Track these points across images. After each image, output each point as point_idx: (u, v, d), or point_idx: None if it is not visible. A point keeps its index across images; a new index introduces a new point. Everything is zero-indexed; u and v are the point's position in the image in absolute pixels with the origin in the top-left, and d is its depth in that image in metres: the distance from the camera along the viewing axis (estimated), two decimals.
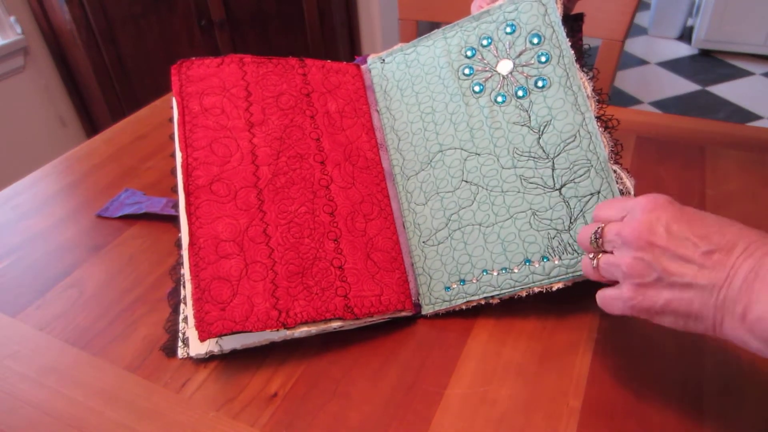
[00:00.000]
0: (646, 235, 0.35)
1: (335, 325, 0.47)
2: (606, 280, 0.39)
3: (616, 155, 0.47)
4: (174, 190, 0.54)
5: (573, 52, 0.50)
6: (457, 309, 0.50)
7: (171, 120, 0.57)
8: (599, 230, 0.38)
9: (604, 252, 0.39)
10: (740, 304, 0.31)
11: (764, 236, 0.33)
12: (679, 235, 0.34)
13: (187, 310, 0.50)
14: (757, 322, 0.31)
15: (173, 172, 0.53)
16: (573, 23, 0.53)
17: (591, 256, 0.39)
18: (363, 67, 0.63)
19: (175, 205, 0.52)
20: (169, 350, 0.49)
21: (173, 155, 0.55)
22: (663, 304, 0.34)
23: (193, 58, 0.59)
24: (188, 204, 0.50)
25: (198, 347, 0.47)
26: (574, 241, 0.46)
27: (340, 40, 2.20)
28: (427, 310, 0.50)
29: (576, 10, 0.57)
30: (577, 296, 0.50)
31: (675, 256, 0.33)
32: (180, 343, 0.49)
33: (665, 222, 0.34)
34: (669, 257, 0.34)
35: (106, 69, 1.66)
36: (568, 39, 0.50)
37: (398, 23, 1.10)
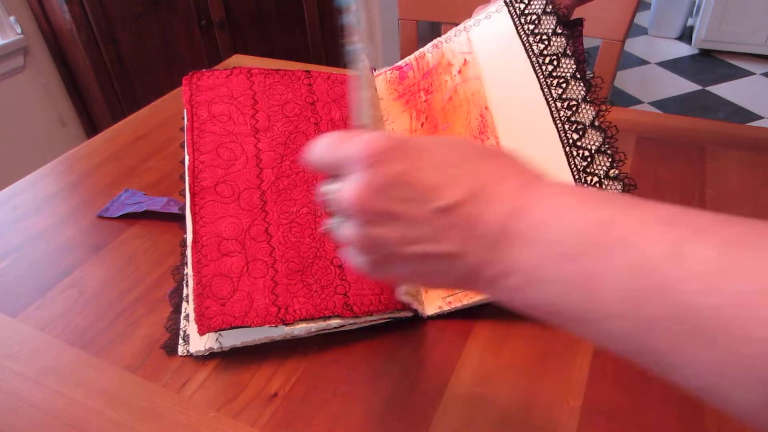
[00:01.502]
0: (365, 202, 0.26)
1: (334, 323, 0.47)
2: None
3: (618, 163, 0.47)
4: (182, 193, 0.54)
5: (573, 61, 0.50)
6: (457, 309, 0.50)
7: (182, 129, 0.58)
8: (327, 190, 0.30)
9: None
10: (495, 266, 0.25)
11: (507, 170, 0.26)
12: (404, 193, 0.26)
13: (189, 308, 0.50)
14: (516, 291, 0.25)
15: (182, 177, 0.54)
16: (572, 29, 0.53)
17: (330, 220, 0.31)
18: None
19: (182, 207, 0.54)
20: (170, 348, 0.49)
21: (182, 162, 0.56)
22: (408, 277, 0.28)
23: (204, 70, 0.61)
24: (193, 204, 0.51)
25: (198, 343, 0.47)
26: None
27: (340, 40, 2.19)
28: (428, 310, 0.50)
29: (576, 14, 0.57)
30: None
31: (406, 224, 0.26)
32: (180, 341, 0.49)
33: (386, 177, 0.26)
34: (399, 226, 0.26)
35: (106, 69, 1.66)
36: (568, 46, 0.50)
37: (398, 23, 1.10)
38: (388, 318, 0.49)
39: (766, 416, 0.18)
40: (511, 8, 0.54)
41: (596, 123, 0.47)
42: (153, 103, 0.89)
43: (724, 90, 2.40)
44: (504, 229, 0.24)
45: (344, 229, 0.29)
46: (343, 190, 0.27)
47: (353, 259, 0.30)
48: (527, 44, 0.52)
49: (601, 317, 0.22)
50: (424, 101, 0.59)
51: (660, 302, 0.20)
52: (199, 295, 0.47)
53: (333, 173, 0.29)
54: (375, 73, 0.66)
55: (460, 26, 0.59)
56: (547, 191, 0.25)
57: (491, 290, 0.26)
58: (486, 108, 0.53)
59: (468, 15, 0.60)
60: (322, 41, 2.10)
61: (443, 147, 0.27)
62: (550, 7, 0.52)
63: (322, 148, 0.29)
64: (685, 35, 2.87)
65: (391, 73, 0.63)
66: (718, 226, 0.22)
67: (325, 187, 0.30)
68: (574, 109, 0.48)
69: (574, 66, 0.50)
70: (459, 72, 0.57)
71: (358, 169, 0.27)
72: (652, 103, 2.37)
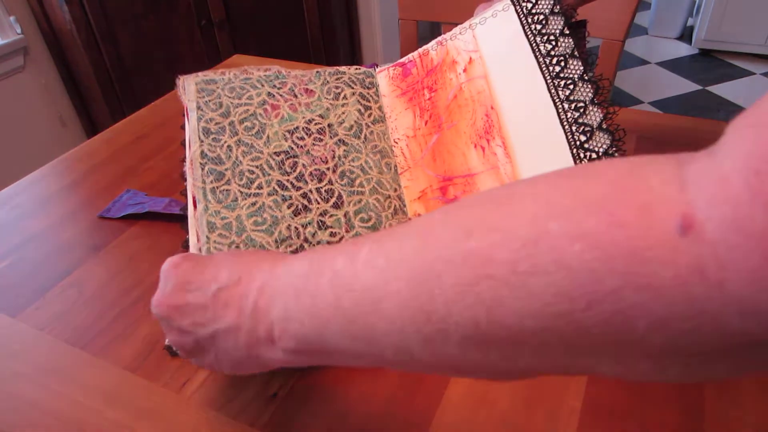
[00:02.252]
0: (170, 302, 0.34)
1: None
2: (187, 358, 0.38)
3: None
4: (183, 193, 0.54)
5: (580, 61, 0.50)
6: None
7: (182, 127, 0.58)
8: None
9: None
10: (260, 327, 0.30)
11: (265, 255, 0.33)
12: (191, 287, 0.33)
13: None
14: (280, 339, 0.30)
15: (183, 176, 0.54)
16: (576, 30, 0.53)
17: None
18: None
19: (184, 208, 0.53)
20: (172, 349, 0.49)
21: (183, 159, 0.55)
22: (218, 363, 0.34)
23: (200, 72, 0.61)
24: None
25: None
26: None
27: (340, 40, 2.20)
28: None
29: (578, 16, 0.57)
30: None
31: (197, 309, 0.33)
32: None
33: (179, 279, 0.34)
34: (194, 313, 0.33)
35: (106, 69, 1.66)
36: (575, 48, 0.50)
37: (398, 23, 1.10)
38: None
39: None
40: (517, 7, 0.54)
41: (604, 126, 0.47)
42: (153, 103, 0.89)
43: (724, 90, 2.40)
44: (259, 299, 0.31)
45: (168, 331, 0.35)
46: (156, 297, 0.35)
47: (181, 354, 0.36)
48: (534, 44, 0.52)
49: (323, 328, 0.28)
50: (428, 99, 0.59)
51: (348, 294, 0.26)
52: None
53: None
54: (378, 70, 0.65)
55: (466, 24, 0.58)
56: (287, 261, 0.32)
57: (273, 350, 0.31)
58: (492, 108, 0.53)
59: (468, 15, 0.60)
60: (322, 41, 2.10)
61: (222, 254, 0.36)
62: (558, 7, 0.52)
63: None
64: (685, 35, 2.87)
65: (394, 70, 0.63)
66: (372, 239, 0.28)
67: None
68: (581, 111, 0.48)
69: (581, 67, 0.49)
70: (464, 70, 0.57)
71: (161, 282, 0.35)
72: (652, 103, 2.37)
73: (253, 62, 1.02)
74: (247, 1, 1.86)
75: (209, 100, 0.58)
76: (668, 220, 0.18)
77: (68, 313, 0.53)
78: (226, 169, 0.53)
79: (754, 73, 2.49)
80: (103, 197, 0.68)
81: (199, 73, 0.61)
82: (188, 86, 0.59)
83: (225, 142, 0.55)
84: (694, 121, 0.74)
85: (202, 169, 0.53)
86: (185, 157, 0.55)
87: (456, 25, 0.60)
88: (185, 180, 0.54)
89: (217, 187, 0.52)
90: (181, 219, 0.61)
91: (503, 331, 0.22)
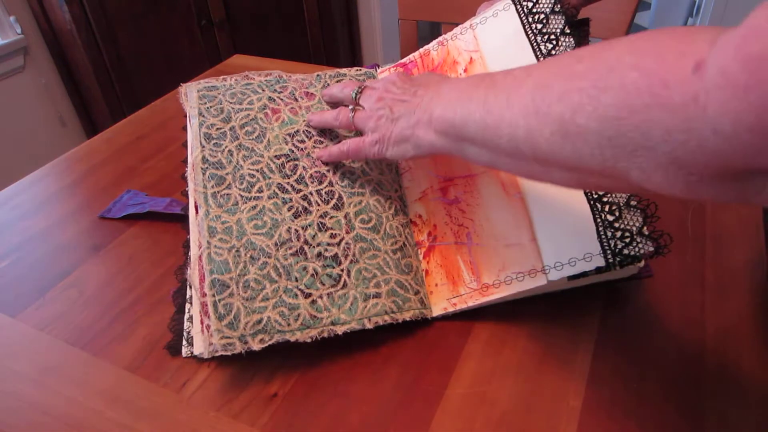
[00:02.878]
0: (384, 93, 0.50)
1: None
2: (353, 128, 0.53)
3: None
4: (184, 193, 0.54)
5: None
6: (461, 311, 0.50)
7: (184, 128, 0.58)
8: (362, 89, 0.53)
9: (354, 107, 0.53)
10: (426, 113, 0.44)
11: (459, 78, 0.46)
12: (402, 87, 0.48)
13: (193, 309, 0.50)
14: (436, 121, 0.43)
15: (184, 177, 0.54)
16: (579, 29, 0.53)
17: (351, 107, 0.53)
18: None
19: (185, 208, 0.54)
20: (174, 349, 0.49)
21: (184, 161, 0.55)
22: (391, 134, 0.47)
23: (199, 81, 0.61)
24: None
25: (201, 345, 0.47)
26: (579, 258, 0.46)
27: (340, 40, 2.20)
28: (434, 312, 0.50)
29: (580, 15, 0.57)
30: (578, 296, 0.50)
31: (398, 101, 0.48)
32: (184, 342, 0.49)
33: (397, 84, 0.49)
34: (394, 102, 0.48)
35: (106, 69, 1.66)
36: (575, 48, 0.50)
37: (398, 23, 1.10)
38: (394, 321, 0.49)
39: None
40: (518, 6, 0.54)
41: None
42: (153, 103, 0.89)
43: None
44: (433, 97, 0.44)
45: (361, 117, 0.51)
46: (375, 89, 0.52)
47: (367, 128, 0.50)
48: (535, 44, 0.52)
49: (467, 117, 0.39)
50: None
51: (492, 92, 0.37)
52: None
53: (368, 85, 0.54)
54: (379, 70, 0.65)
55: (466, 24, 0.58)
56: (458, 78, 0.45)
57: (428, 131, 0.44)
58: None
59: (468, 15, 0.60)
60: (322, 41, 2.10)
61: (427, 73, 0.51)
62: (559, 6, 0.52)
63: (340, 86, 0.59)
64: None
65: (395, 71, 0.63)
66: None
67: (365, 89, 0.53)
68: None
69: None
70: (465, 70, 0.57)
71: (381, 82, 0.52)
72: None
73: (253, 62, 1.02)
74: (247, 1, 1.86)
75: (211, 106, 0.58)
76: (691, 63, 0.25)
77: (68, 313, 0.53)
78: (227, 174, 0.53)
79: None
80: (103, 197, 0.68)
81: (201, 80, 0.61)
82: (190, 93, 0.60)
83: (226, 146, 0.55)
84: None
85: (204, 174, 0.53)
86: (187, 159, 0.55)
87: (456, 25, 0.60)
88: (187, 181, 0.54)
89: (218, 192, 0.52)
90: (182, 219, 0.61)
91: (577, 127, 0.30)
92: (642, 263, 0.43)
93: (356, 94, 0.53)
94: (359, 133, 0.53)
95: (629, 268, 0.43)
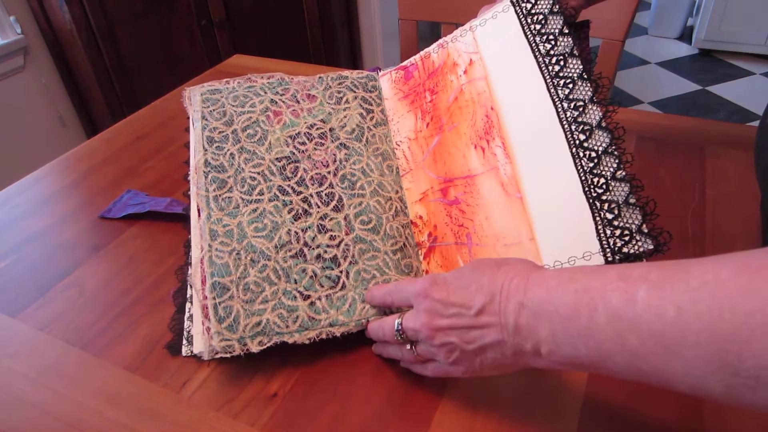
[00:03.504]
0: (434, 325, 0.39)
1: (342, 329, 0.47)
2: (424, 360, 0.42)
3: (625, 164, 0.47)
4: (185, 194, 0.55)
5: (580, 61, 0.50)
6: None
7: (187, 129, 0.58)
8: (399, 326, 0.42)
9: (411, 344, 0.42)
10: (527, 344, 0.35)
11: (509, 271, 0.37)
12: (452, 311, 0.38)
13: (193, 308, 0.50)
14: (549, 355, 0.34)
15: (186, 177, 0.54)
16: (579, 31, 0.53)
17: (409, 347, 0.42)
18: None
19: (186, 208, 0.54)
20: (174, 349, 0.49)
21: (187, 162, 0.56)
22: (480, 367, 0.38)
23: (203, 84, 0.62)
24: None
25: (201, 344, 0.47)
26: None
27: (340, 40, 2.19)
28: None
29: (581, 16, 0.57)
30: None
31: (461, 329, 0.37)
32: (184, 341, 0.49)
33: (436, 304, 0.38)
34: (458, 332, 0.37)
35: (106, 69, 1.66)
36: (575, 47, 0.50)
37: (398, 23, 1.10)
38: None
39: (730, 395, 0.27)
40: (517, 8, 0.54)
41: (603, 124, 0.47)
42: (153, 103, 0.89)
43: (724, 90, 2.40)
44: (519, 318, 0.35)
45: (424, 350, 0.41)
46: (416, 322, 0.40)
47: (444, 370, 0.41)
48: (534, 44, 0.52)
49: (604, 357, 0.31)
50: (430, 101, 0.59)
51: (633, 335, 0.29)
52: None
53: (390, 308, 0.45)
54: (380, 73, 0.65)
55: (466, 26, 0.58)
56: (539, 278, 0.35)
57: (541, 360, 0.35)
58: (492, 108, 0.53)
59: (468, 15, 0.60)
60: (322, 41, 2.10)
61: (464, 271, 0.39)
62: (557, 7, 0.52)
63: (381, 293, 0.46)
64: (685, 35, 2.87)
65: (396, 73, 0.63)
66: (649, 271, 0.30)
67: (404, 325, 0.41)
68: (581, 109, 0.48)
69: (581, 66, 0.49)
70: (465, 72, 0.57)
71: (418, 306, 0.40)
72: (652, 103, 2.37)
73: (253, 62, 1.02)
74: (247, 1, 1.86)
75: (213, 110, 0.58)
76: None
77: (68, 313, 0.53)
78: (228, 177, 0.53)
79: (754, 73, 2.50)
80: (103, 197, 0.68)
81: (205, 84, 0.61)
82: (194, 97, 0.60)
83: (228, 150, 0.55)
84: (694, 121, 0.74)
85: (206, 178, 0.53)
86: (189, 160, 0.56)
87: (456, 25, 0.60)
88: (189, 183, 0.55)
89: (220, 195, 0.52)
90: (182, 219, 0.61)
91: None
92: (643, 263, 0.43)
93: (398, 335, 0.42)
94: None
95: None
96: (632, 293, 0.29)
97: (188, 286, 0.54)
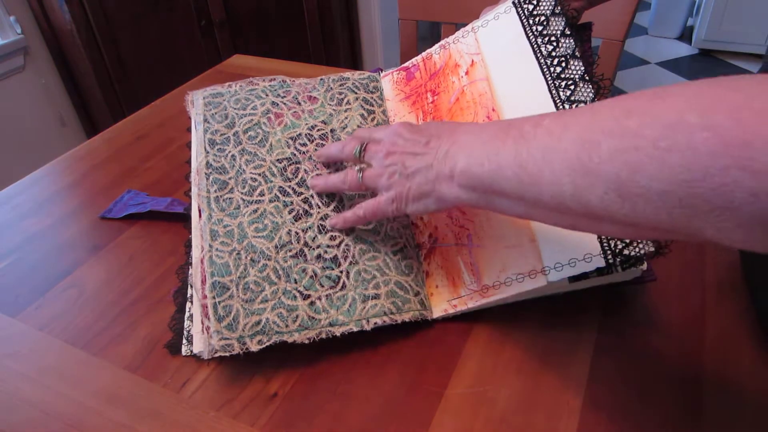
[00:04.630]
0: (392, 147, 0.46)
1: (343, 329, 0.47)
2: (364, 189, 0.49)
3: None
4: (187, 194, 0.55)
5: (582, 62, 0.50)
6: (462, 313, 0.50)
7: (189, 130, 0.59)
8: (365, 145, 0.49)
9: (362, 165, 0.49)
10: (446, 167, 0.41)
11: (468, 123, 0.43)
12: (411, 138, 0.45)
13: (193, 308, 0.50)
14: (460, 175, 0.40)
15: (187, 177, 0.54)
16: (581, 33, 0.53)
17: (358, 169, 0.48)
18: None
19: (187, 208, 0.54)
20: (174, 348, 0.49)
21: (188, 162, 0.56)
22: (407, 194, 0.44)
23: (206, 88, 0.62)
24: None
25: (201, 344, 0.47)
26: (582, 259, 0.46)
27: (340, 40, 2.20)
28: (434, 313, 0.50)
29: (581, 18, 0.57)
30: (578, 296, 0.50)
31: (409, 154, 0.44)
32: (184, 341, 0.49)
33: (403, 134, 0.46)
34: (405, 156, 0.44)
35: (106, 69, 1.66)
36: (577, 48, 0.50)
37: (398, 23, 1.10)
38: (393, 322, 0.49)
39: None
40: (519, 9, 0.54)
41: None
42: (153, 103, 0.89)
43: None
44: (450, 147, 0.41)
45: (371, 174, 0.47)
46: (380, 144, 0.47)
47: (379, 186, 0.46)
48: (535, 45, 0.52)
49: (500, 171, 0.36)
50: (431, 102, 0.59)
51: (525, 148, 0.35)
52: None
53: (370, 139, 0.49)
54: (382, 74, 0.66)
55: (468, 27, 0.58)
56: (476, 125, 0.42)
57: (451, 186, 0.41)
58: (493, 109, 0.53)
59: (468, 15, 0.60)
60: (322, 41, 2.10)
61: (432, 122, 0.50)
62: (559, 8, 0.52)
63: (364, 130, 0.52)
64: (685, 35, 2.87)
65: (398, 74, 0.64)
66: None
67: (369, 145, 0.48)
68: None
69: (582, 68, 0.49)
70: (466, 73, 0.57)
71: (387, 134, 0.47)
72: None
73: (253, 62, 1.02)
74: (247, 1, 1.86)
75: (215, 113, 0.59)
76: None
77: (68, 313, 0.53)
78: (229, 178, 0.54)
79: (754, 73, 2.49)
80: (104, 197, 0.68)
81: (207, 87, 0.62)
82: (196, 100, 0.60)
83: (229, 152, 0.55)
84: None
85: (207, 179, 0.53)
86: (190, 160, 0.56)
87: (456, 24, 0.60)
88: (190, 183, 0.55)
89: (221, 196, 0.52)
90: (183, 219, 0.61)
91: (637, 188, 0.28)
92: (645, 266, 0.43)
93: (359, 151, 0.49)
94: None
95: (631, 270, 0.43)
96: (541, 120, 0.35)
97: (189, 285, 0.54)
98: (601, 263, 0.43)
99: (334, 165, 0.57)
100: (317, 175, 0.53)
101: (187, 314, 0.51)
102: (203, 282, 0.48)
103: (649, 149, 0.28)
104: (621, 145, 0.29)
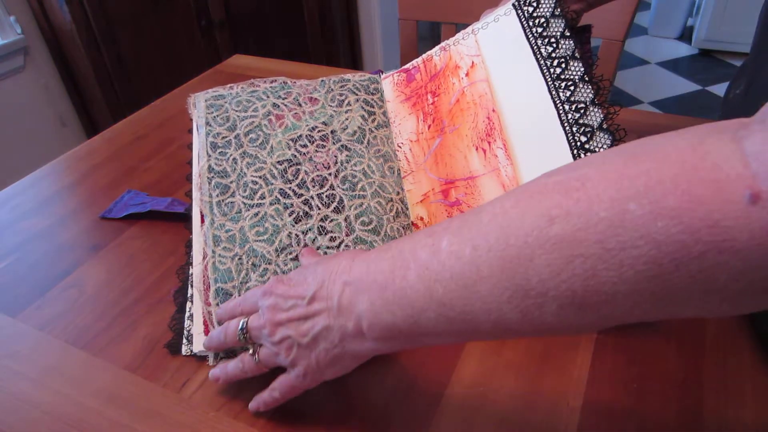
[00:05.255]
0: (275, 320, 0.38)
1: None
2: (266, 370, 0.42)
3: None
4: (188, 194, 0.55)
5: (581, 64, 0.50)
6: None
7: (190, 131, 0.60)
8: (244, 325, 0.41)
9: (252, 346, 0.41)
10: (349, 323, 0.35)
11: (340, 257, 0.37)
12: (290, 303, 0.38)
13: (194, 308, 0.51)
14: (370, 329, 0.34)
15: (188, 178, 0.54)
16: (581, 35, 0.53)
17: (251, 352, 0.41)
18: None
19: (188, 208, 0.54)
20: (174, 348, 0.49)
21: (189, 163, 0.57)
22: (317, 363, 0.38)
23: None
24: None
25: (200, 344, 0.47)
26: None
27: (340, 40, 2.20)
28: None
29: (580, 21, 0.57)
30: None
31: (298, 320, 0.37)
32: (184, 340, 0.49)
33: (278, 299, 0.39)
34: (291, 324, 0.38)
35: (106, 69, 1.65)
36: (576, 49, 0.50)
37: (398, 23, 1.10)
38: None
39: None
40: (519, 11, 0.54)
41: (604, 126, 0.47)
42: (153, 103, 0.89)
43: (724, 90, 2.40)
44: (341, 297, 0.35)
45: (266, 353, 0.40)
46: (259, 320, 0.39)
47: (282, 363, 0.40)
48: (535, 47, 0.52)
49: (417, 315, 0.31)
50: (431, 104, 0.59)
51: (439, 284, 0.30)
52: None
53: (248, 311, 0.42)
54: (383, 76, 0.66)
55: (468, 29, 0.59)
56: (362, 257, 0.36)
57: (364, 342, 0.35)
58: (493, 110, 0.53)
59: (468, 15, 0.60)
60: (322, 41, 2.10)
61: (306, 266, 0.40)
62: (559, 10, 0.52)
63: (232, 305, 0.44)
64: (685, 35, 2.87)
65: (398, 76, 0.64)
66: (451, 222, 0.32)
67: (249, 323, 0.41)
68: (582, 112, 0.48)
69: (582, 69, 0.49)
70: (467, 74, 0.57)
71: (261, 302, 0.39)
72: (652, 103, 2.37)
73: (253, 62, 1.02)
74: (247, 1, 1.86)
75: (217, 115, 0.59)
76: (739, 194, 0.22)
77: (68, 313, 0.53)
78: (231, 182, 0.54)
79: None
80: (104, 197, 0.68)
81: (209, 90, 0.62)
82: (198, 103, 0.61)
83: (231, 155, 0.56)
84: (694, 121, 0.74)
85: (209, 184, 0.54)
86: (192, 161, 0.56)
87: (456, 24, 0.60)
88: (191, 182, 0.55)
89: (223, 201, 0.53)
90: (184, 219, 0.61)
91: (599, 296, 0.25)
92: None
93: (241, 335, 0.41)
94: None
95: None
96: (437, 244, 0.31)
97: (189, 285, 0.54)
98: None
99: (333, 137, 0.57)
100: (213, 367, 0.46)
101: (187, 314, 0.51)
102: (207, 289, 0.48)
103: (599, 254, 0.24)
104: (560, 257, 0.25)
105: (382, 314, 0.33)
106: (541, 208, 0.26)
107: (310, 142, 0.57)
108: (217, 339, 0.44)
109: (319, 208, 0.53)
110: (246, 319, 0.41)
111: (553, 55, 0.51)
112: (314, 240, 0.51)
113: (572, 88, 0.49)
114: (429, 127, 0.58)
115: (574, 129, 0.48)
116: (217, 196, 0.53)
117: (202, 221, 0.52)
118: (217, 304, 0.47)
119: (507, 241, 0.27)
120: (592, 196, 0.25)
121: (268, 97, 0.61)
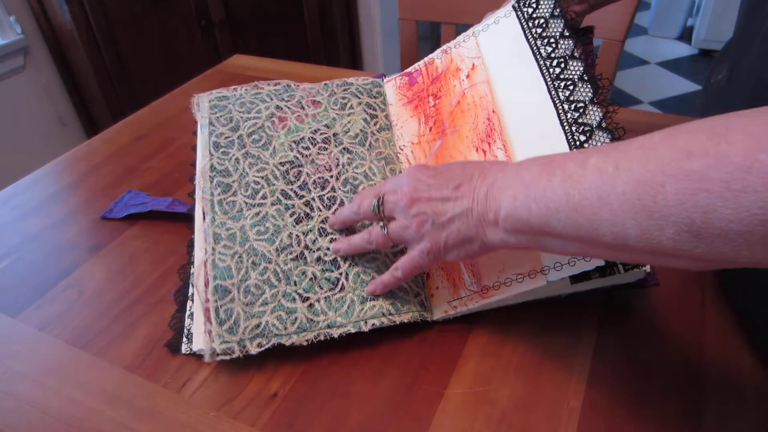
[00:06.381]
0: (415, 196, 0.43)
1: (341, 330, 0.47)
2: (391, 244, 0.46)
3: None
4: (191, 195, 0.55)
5: (582, 65, 0.50)
6: (462, 314, 0.50)
7: (194, 133, 0.60)
8: (381, 199, 0.45)
9: (384, 220, 0.46)
10: (490, 212, 0.39)
11: (493, 162, 0.42)
12: (435, 183, 0.42)
13: (195, 307, 0.51)
14: (506, 219, 0.38)
15: (192, 179, 0.55)
16: (582, 37, 0.53)
17: (381, 225, 0.46)
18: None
19: (190, 208, 0.54)
20: (174, 347, 0.49)
21: (192, 164, 0.57)
22: (445, 243, 0.42)
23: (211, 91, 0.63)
24: None
25: (200, 342, 0.47)
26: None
27: (340, 40, 2.20)
28: (434, 315, 0.50)
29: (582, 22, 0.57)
30: (578, 297, 0.50)
31: (438, 200, 0.42)
32: (184, 339, 0.49)
33: (423, 180, 0.43)
34: (434, 203, 0.42)
35: (106, 69, 1.65)
36: (576, 48, 0.50)
37: (398, 23, 1.10)
38: (391, 323, 0.49)
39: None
40: (519, 12, 0.54)
41: (603, 125, 0.47)
42: (153, 103, 0.89)
43: None
44: (489, 189, 0.39)
45: (396, 227, 0.44)
46: (397, 194, 0.44)
47: (409, 238, 0.44)
48: (535, 48, 0.52)
49: (550, 215, 0.35)
50: (433, 106, 0.59)
51: (576, 191, 0.33)
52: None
53: (388, 191, 0.45)
54: (386, 79, 0.66)
55: (469, 31, 0.59)
56: (514, 164, 0.39)
57: (497, 232, 0.39)
58: (493, 111, 0.53)
59: (468, 15, 0.60)
60: (322, 41, 2.10)
61: (445, 165, 0.44)
62: (558, 10, 0.52)
63: (370, 190, 0.48)
64: (685, 35, 2.87)
65: (400, 79, 0.64)
66: (604, 145, 0.36)
67: (386, 197, 0.45)
68: (581, 111, 0.48)
69: (581, 68, 0.50)
70: (467, 76, 0.57)
71: (404, 182, 0.44)
72: (652, 103, 2.37)
73: (253, 62, 1.02)
74: (247, 1, 1.86)
75: (221, 116, 0.59)
76: None
77: (68, 313, 0.53)
78: (233, 181, 0.54)
79: None
80: (104, 197, 0.68)
81: (213, 91, 0.62)
82: (202, 103, 0.61)
83: (233, 155, 0.56)
84: None
85: (211, 182, 0.54)
86: (195, 163, 0.57)
87: (456, 24, 0.60)
88: (194, 184, 0.55)
89: (224, 199, 0.53)
90: (185, 219, 0.62)
91: (714, 230, 0.28)
92: (648, 267, 0.43)
93: (377, 206, 0.46)
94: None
95: (634, 272, 0.43)
96: (586, 160, 0.34)
97: (190, 284, 0.54)
98: (601, 262, 0.43)
99: (335, 140, 0.58)
100: (337, 239, 0.51)
101: (187, 312, 0.51)
102: (206, 285, 0.48)
103: (722, 192, 0.27)
104: (688, 188, 0.28)
105: (520, 209, 0.37)
106: (684, 145, 0.29)
107: (312, 144, 0.58)
108: (348, 212, 0.49)
109: (320, 210, 0.53)
110: (382, 193, 0.45)
111: (553, 55, 0.51)
112: (315, 241, 0.51)
113: (571, 87, 0.49)
114: (430, 129, 0.58)
115: (573, 128, 0.48)
116: (219, 194, 0.53)
117: (204, 219, 0.53)
118: (216, 301, 0.47)
119: (647, 166, 0.30)
120: (731, 142, 0.27)
121: (271, 99, 0.61)
